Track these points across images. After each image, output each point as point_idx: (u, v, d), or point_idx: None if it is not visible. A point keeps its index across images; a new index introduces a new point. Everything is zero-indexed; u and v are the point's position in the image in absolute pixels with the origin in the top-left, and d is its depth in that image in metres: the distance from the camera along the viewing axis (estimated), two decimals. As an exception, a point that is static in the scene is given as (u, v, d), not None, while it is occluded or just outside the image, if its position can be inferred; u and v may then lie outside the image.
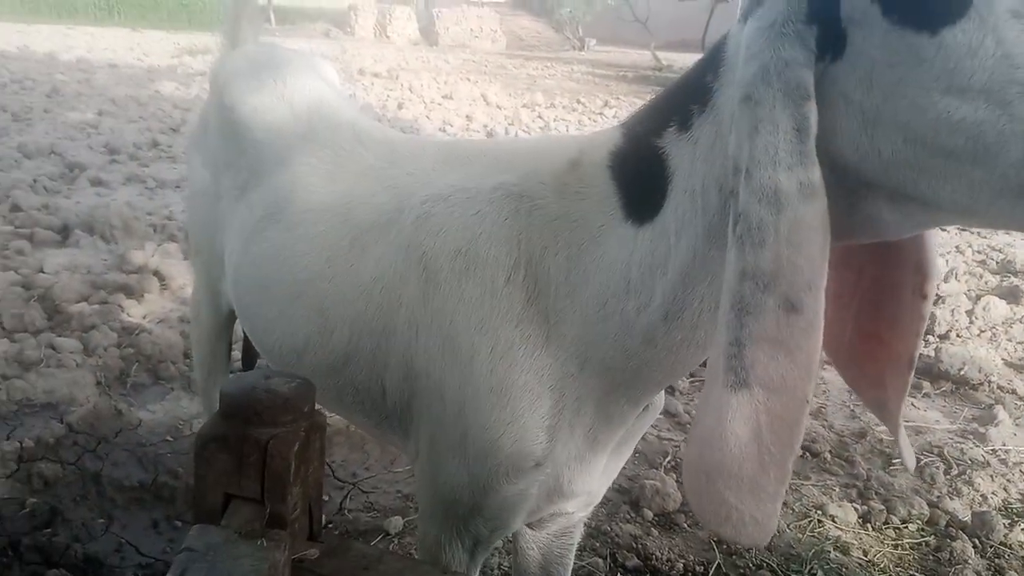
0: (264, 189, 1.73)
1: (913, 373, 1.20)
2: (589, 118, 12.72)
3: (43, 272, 4.53)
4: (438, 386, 1.32)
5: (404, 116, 11.42)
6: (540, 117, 12.39)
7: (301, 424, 1.19)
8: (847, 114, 0.89)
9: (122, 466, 2.89)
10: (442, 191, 1.38)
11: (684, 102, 1.09)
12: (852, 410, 3.81)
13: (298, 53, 2.11)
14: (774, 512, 0.90)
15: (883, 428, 3.61)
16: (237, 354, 2.82)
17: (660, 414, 3.46)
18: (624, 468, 3.13)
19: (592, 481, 1.38)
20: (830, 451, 3.39)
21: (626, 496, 2.96)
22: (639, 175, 1.15)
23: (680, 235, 1.08)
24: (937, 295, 5.25)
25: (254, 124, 1.82)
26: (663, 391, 1.42)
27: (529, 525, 1.65)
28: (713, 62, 1.05)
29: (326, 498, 2.82)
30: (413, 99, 13.38)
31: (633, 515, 2.86)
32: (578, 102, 14.55)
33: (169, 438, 3.11)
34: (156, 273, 4.63)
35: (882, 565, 2.69)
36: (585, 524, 2.72)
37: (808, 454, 3.38)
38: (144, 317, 4.15)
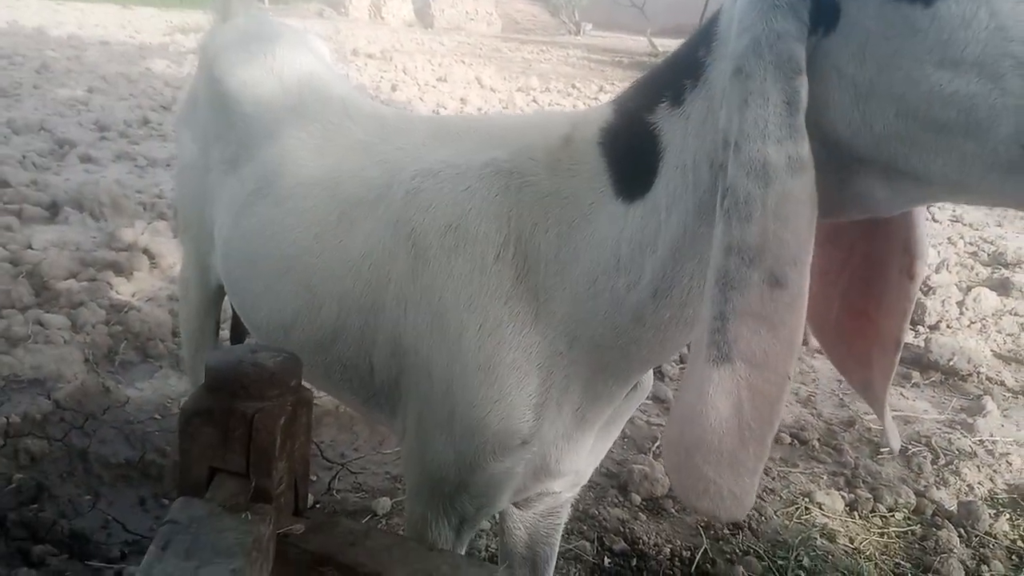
0: (253, 163, 1.71)
1: (899, 355, 1.19)
2: (584, 103, 12.67)
3: (31, 248, 4.49)
4: (426, 363, 1.31)
5: (398, 98, 11.35)
6: (535, 101, 12.33)
7: (287, 398, 1.17)
8: (840, 87, 0.88)
9: (109, 443, 2.87)
10: (432, 166, 1.36)
11: (676, 77, 1.07)
12: (841, 399, 3.82)
13: (289, 26, 2.08)
14: (752, 487, 0.89)
15: (872, 417, 3.62)
16: (226, 333, 2.81)
17: (649, 399, 3.47)
18: (612, 452, 3.14)
19: (579, 460, 1.37)
20: (818, 439, 3.40)
21: (614, 480, 2.96)
22: (630, 151, 1.13)
23: (670, 212, 1.07)
24: (928, 286, 5.27)
25: (243, 97, 1.80)
26: (651, 374, 1.41)
27: (516, 504, 1.64)
28: (706, 36, 1.03)
29: (314, 478, 2.81)
30: (407, 81, 13.29)
31: (621, 499, 2.87)
32: (573, 87, 14.50)
33: (157, 416, 3.09)
34: (145, 251, 4.60)
35: (868, 553, 2.70)
36: (573, 507, 2.72)
37: (796, 442, 3.38)
38: (133, 295, 4.12)
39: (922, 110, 0.81)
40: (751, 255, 0.87)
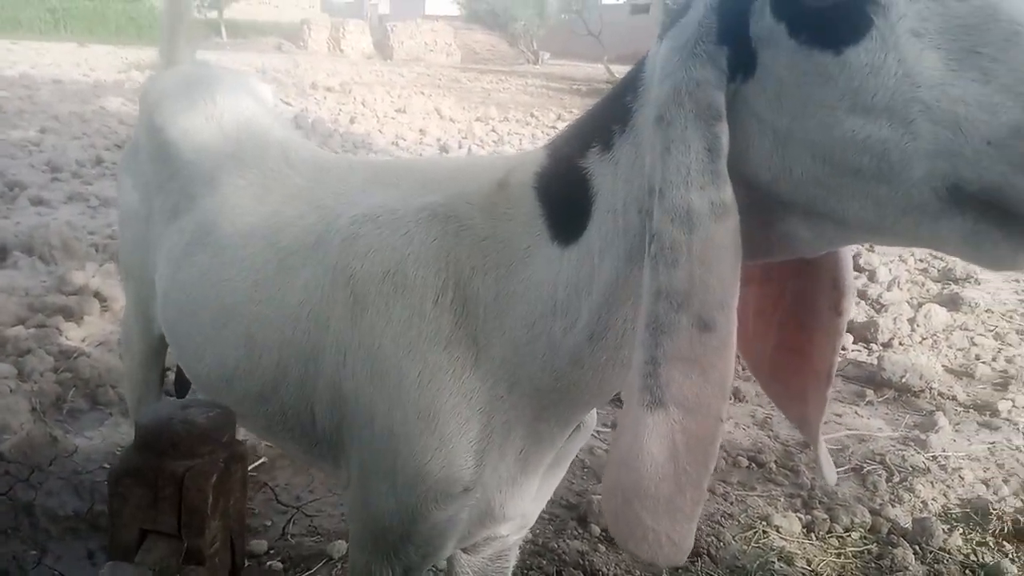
0: (193, 212, 1.70)
1: (831, 389, 1.21)
2: (543, 131, 12.79)
3: (-22, 295, 4.39)
4: (367, 411, 1.30)
5: (356, 130, 11.36)
6: (494, 131, 12.42)
7: (220, 455, 1.16)
8: (759, 133, 0.90)
9: (56, 495, 2.80)
10: (370, 211, 1.37)
11: (606, 123, 1.09)
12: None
13: (230, 72, 2.08)
14: (690, 532, 0.90)
15: (828, 437, 3.67)
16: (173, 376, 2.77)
17: (608, 427, 3.47)
18: (571, 483, 3.14)
19: (525, 504, 1.37)
20: (775, 461, 3.43)
21: (573, 512, 2.96)
22: (564, 196, 1.15)
23: (603, 255, 1.08)
24: (880, 304, 5.37)
25: (184, 145, 1.79)
26: (595, 413, 1.42)
27: (464, 550, 1.63)
28: (633, 83, 1.05)
29: (268, 523, 2.77)
30: (366, 113, 13.33)
31: (580, 531, 2.86)
32: (532, 115, 14.64)
33: (106, 465, 3.02)
34: (96, 294, 4.52)
35: (825, 574, 2.73)
36: (531, 541, 2.71)
37: (754, 464, 3.41)
38: (83, 340, 4.05)
39: (837, 155, 0.83)
40: (679, 300, 0.88)
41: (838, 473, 3.38)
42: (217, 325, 1.56)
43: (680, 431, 0.88)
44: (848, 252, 1.17)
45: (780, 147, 0.88)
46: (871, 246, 6.28)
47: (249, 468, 3.03)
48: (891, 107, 0.78)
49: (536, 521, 2.86)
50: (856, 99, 0.80)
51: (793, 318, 1.21)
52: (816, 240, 0.96)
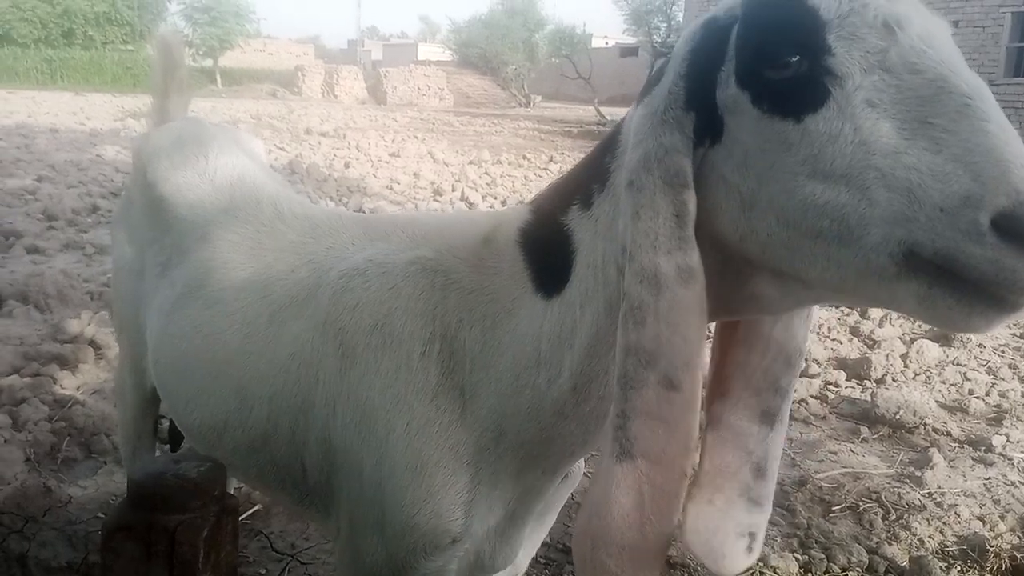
0: (185, 266, 1.73)
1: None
2: (535, 173, 12.92)
3: (-27, 346, 4.40)
4: (356, 463, 1.32)
5: (351, 175, 11.46)
6: (487, 173, 12.54)
7: (211, 509, 1.18)
8: (727, 195, 0.94)
9: (50, 546, 2.78)
10: (359, 265, 1.40)
11: (587, 182, 1.13)
12: (792, 457, 3.87)
13: (222, 128, 2.12)
14: None
15: (823, 476, 3.67)
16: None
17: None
18: (567, 527, 3.13)
19: (514, 554, 1.38)
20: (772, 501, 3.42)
21: (569, 556, 2.94)
22: (547, 251, 1.18)
23: (584, 309, 1.11)
24: (873, 340, 5.40)
25: (177, 201, 1.83)
26: (582, 462, 1.43)
27: (456, 599, 1.63)
28: (611, 143, 1.10)
29: (263, 571, 2.76)
30: (360, 158, 13.46)
31: (577, 576, 2.84)
32: (524, 158, 14.78)
33: (101, 515, 3.01)
34: (92, 342, 4.54)
35: (823, 615, 2.71)
36: (527, 587, 2.70)
37: (750, 505, 3.40)
38: (78, 388, 4.05)
39: (799, 219, 0.87)
40: (647, 358, 0.91)
41: (834, 512, 3.38)
42: (208, 378, 1.58)
43: (647, 482, 0.92)
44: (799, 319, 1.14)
45: (747, 210, 0.92)
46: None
47: (244, 516, 3.03)
48: (848, 173, 0.82)
49: (532, 565, 2.86)
50: (816, 165, 0.84)
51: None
52: (783, 299, 0.99)
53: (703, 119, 0.94)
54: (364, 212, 8.82)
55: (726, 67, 0.92)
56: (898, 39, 0.83)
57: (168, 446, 2.52)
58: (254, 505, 3.10)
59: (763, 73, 0.87)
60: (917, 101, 0.80)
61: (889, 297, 0.85)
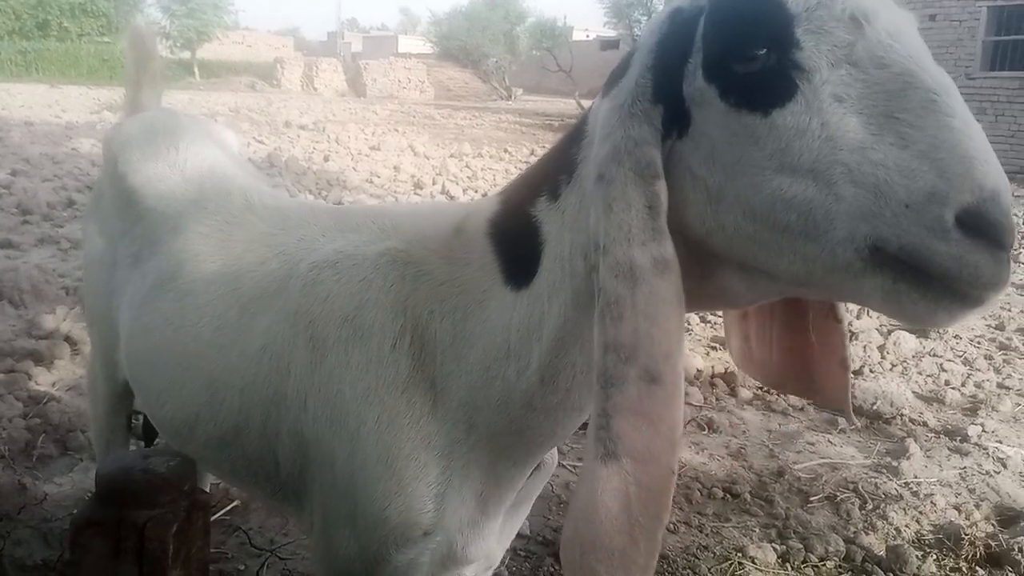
0: (156, 258, 1.71)
1: (850, 373, 1.23)
2: (516, 167, 12.89)
3: (-56, 342, 4.34)
4: (328, 456, 1.31)
5: (330, 168, 11.39)
6: (468, 167, 12.51)
7: (180, 504, 1.16)
8: (694, 189, 0.93)
9: (25, 544, 2.74)
10: (329, 257, 1.38)
11: (553, 173, 1.13)
12: (771, 449, 3.89)
13: (194, 119, 2.10)
14: None
15: (801, 466, 3.70)
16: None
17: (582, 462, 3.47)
18: (547, 519, 3.13)
19: (487, 546, 1.37)
20: (750, 492, 3.45)
21: (549, 548, 2.95)
22: (516, 242, 1.17)
23: (552, 300, 1.11)
24: (851, 332, 5.43)
25: (147, 193, 1.80)
26: (556, 452, 1.43)
27: (431, 592, 1.62)
28: (578, 135, 1.09)
29: (242, 567, 2.74)
30: (340, 151, 13.37)
31: (556, 568, 2.85)
32: (505, 151, 14.75)
33: (76, 512, 2.98)
34: (67, 338, 4.48)
35: (800, 605, 2.73)
36: (506, 580, 2.70)
37: (729, 495, 3.42)
38: (53, 385, 4.01)
39: (766, 213, 0.86)
40: (626, 353, 0.90)
41: (812, 502, 3.41)
42: (179, 370, 1.56)
43: (633, 483, 0.89)
44: None
45: (713, 203, 0.92)
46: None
47: (222, 512, 3.00)
48: (815, 168, 0.82)
49: (512, 558, 2.86)
50: (783, 159, 0.84)
51: (791, 320, 1.21)
52: (750, 293, 0.99)
53: (670, 111, 0.94)
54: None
55: (693, 59, 0.92)
56: (865, 33, 0.83)
57: (143, 442, 2.49)
58: (232, 501, 3.07)
59: (730, 66, 0.87)
60: (884, 96, 0.80)
61: (855, 292, 0.85)
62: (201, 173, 1.81)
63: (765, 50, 0.85)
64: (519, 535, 2.59)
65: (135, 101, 2.27)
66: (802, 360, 1.23)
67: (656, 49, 0.96)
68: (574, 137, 1.10)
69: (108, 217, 1.94)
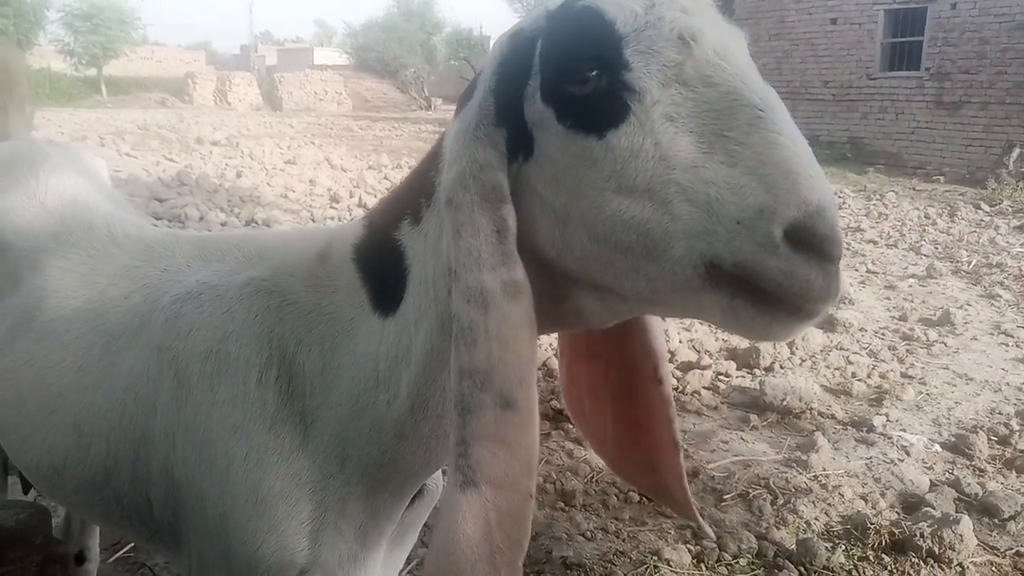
0: (16, 296, 1.61)
1: (682, 456, 1.23)
2: (435, 177, 12.81)
3: None
4: (199, 496, 1.25)
5: (243, 184, 11.14)
6: (386, 178, 12.40)
7: (33, 559, 1.10)
8: (542, 212, 0.93)
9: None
10: (192, 289, 1.33)
11: (415, 196, 1.11)
12: (685, 449, 3.94)
13: (58, 147, 2.00)
14: None
15: (714, 465, 3.76)
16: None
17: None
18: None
19: (371, 578, 1.34)
20: (665, 494, 3.48)
21: None
22: (382, 267, 1.15)
23: (418, 326, 1.08)
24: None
25: (5, 227, 1.70)
26: (440, 479, 1.40)
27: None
28: (435, 157, 1.07)
29: (144, 609, 2.63)
30: (254, 166, 13.10)
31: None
32: (424, 161, 14.66)
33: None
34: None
35: (714, 605, 2.76)
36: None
37: (644, 499, 3.45)
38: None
39: (608, 234, 0.86)
40: (481, 379, 0.89)
41: (726, 500, 3.46)
42: (43, 414, 1.48)
43: (493, 509, 0.88)
44: (655, 319, 1.20)
45: (560, 225, 0.91)
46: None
47: (125, 550, 2.87)
48: (651, 188, 0.82)
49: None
50: (620, 180, 0.84)
51: (623, 391, 1.23)
52: (604, 312, 0.99)
53: (514, 134, 0.93)
54: (257, 223, 8.58)
55: (532, 81, 0.91)
56: (693, 52, 0.83)
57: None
58: (133, 538, 2.95)
59: (565, 89, 0.87)
60: (713, 114, 0.81)
61: (697, 308, 0.85)
62: (63, 204, 1.72)
63: (596, 72, 0.84)
64: (408, 562, 2.55)
65: (2, 128, 2.16)
66: (635, 438, 1.23)
67: (498, 71, 0.95)
68: (432, 159, 1.08)
69: (-35, 253, 1.82)
